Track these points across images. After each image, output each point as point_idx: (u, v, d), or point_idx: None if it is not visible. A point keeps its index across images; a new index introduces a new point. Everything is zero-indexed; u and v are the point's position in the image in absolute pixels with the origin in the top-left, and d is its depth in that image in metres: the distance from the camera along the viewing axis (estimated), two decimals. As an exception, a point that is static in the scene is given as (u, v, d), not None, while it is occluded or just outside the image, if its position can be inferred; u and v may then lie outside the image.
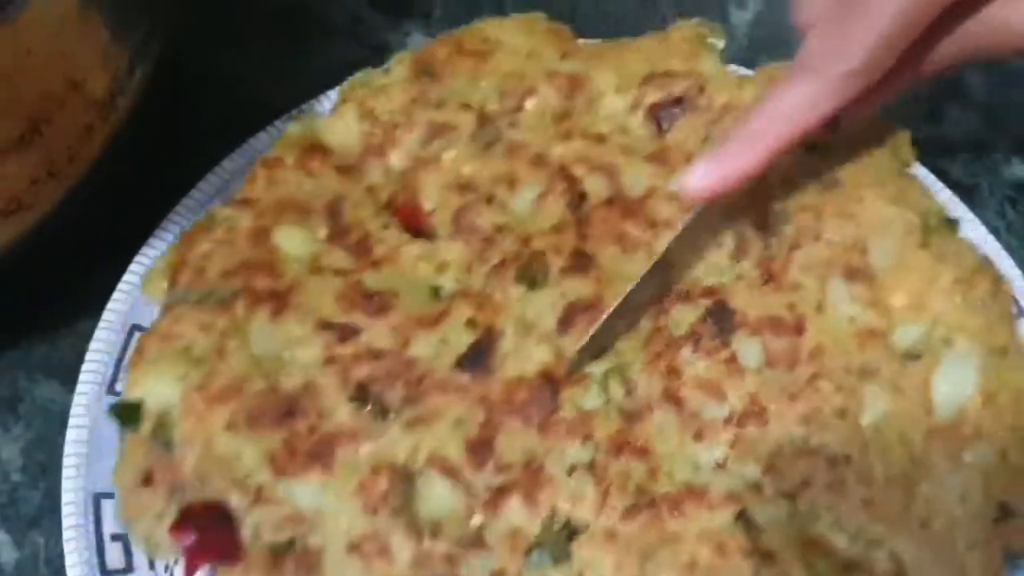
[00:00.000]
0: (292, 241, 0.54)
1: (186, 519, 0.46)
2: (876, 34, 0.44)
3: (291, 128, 0.58)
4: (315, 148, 0.57)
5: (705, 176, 0.48)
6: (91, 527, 0.48)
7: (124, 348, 0.53)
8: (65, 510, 0.49)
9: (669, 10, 0.67)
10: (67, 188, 0.51)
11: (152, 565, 0.48)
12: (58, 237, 0.52)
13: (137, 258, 0.55)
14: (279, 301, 0.51)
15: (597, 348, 0.50)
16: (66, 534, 0.48)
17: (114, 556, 0.48)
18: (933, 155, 0.57)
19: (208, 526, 0.45)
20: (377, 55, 0.63)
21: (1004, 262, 0.53)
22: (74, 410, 0.51)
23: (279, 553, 0.45)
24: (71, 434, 0.50)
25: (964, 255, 0.52)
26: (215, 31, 0.66)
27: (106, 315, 0.53)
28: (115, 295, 0.54)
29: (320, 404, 0.48)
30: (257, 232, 0.54)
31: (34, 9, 0.44)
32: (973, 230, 0.54)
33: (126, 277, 0.54)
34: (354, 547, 0.45)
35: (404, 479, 0.47)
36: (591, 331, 0.50)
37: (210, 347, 0.50)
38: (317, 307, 0.51)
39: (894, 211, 0.52)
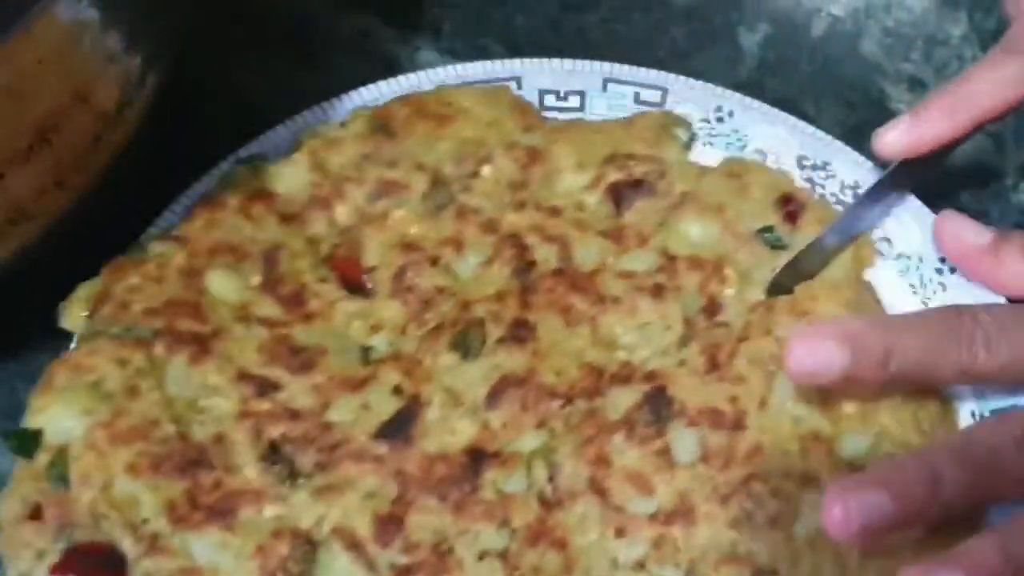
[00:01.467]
0: (223, 285, 0.52)
1: (71, 560, 0.44)
2: None
3: (238, 170, 0.57)
4: (260, 194, 0.56)
5: (904, 134, 0.51)
6: None
7: None
8: None
9: (679, 34, 0.67)
10: (74, 198, 0.51)
11: None
12: (62, 247, 0.52)
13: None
14: (201, 346, 0.50)
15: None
16: None
17: None
18: (941, 181, 0.58)
19: (93, 570, 0.43)
20: (386, 69, 0.63)
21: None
22: None
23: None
24: None
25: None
26: (224, 45, 0.66)
27: None
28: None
29: (229, 459, 0.47)
30: (189, 271, 0.53)
31: (45, 20, 0.44)
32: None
33: None
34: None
35: (306, 547, 0.45)
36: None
37: (122, 384, 0.49)
38: (239, 356, 0.50)
39: (848, 315, 0.51)
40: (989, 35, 0.68)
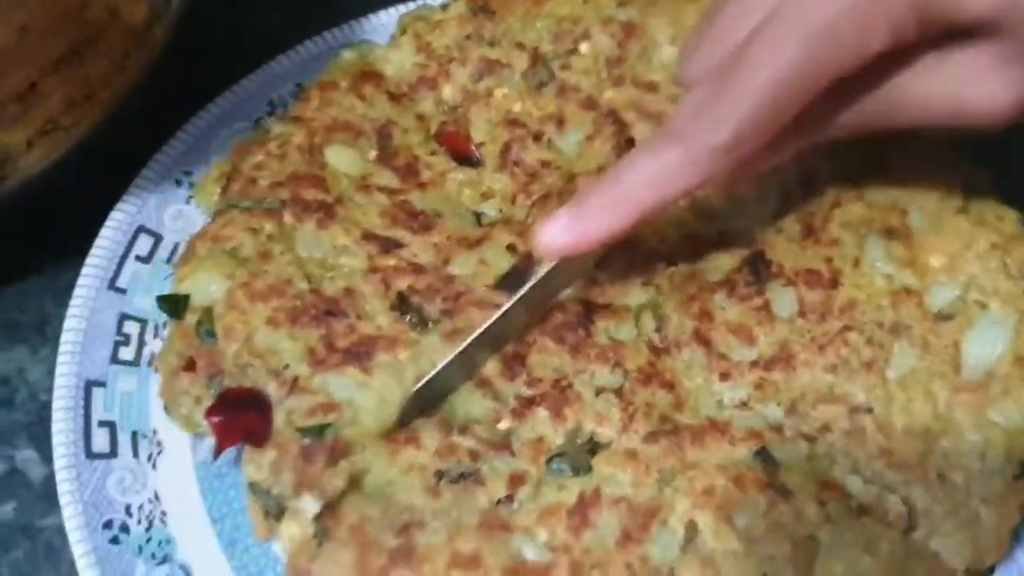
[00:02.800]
0: (342, 159, 0.57)
1: (223, 403, 0.49)
2: (743, 113, 0.42)
3: (346, 54, 0.62)
4: (369, 74, 0.60)
5: (563, 232, 0.46)
6: (80, 412, 0.53)
7: (128, 247, 0.57)
8: (56, 393, 0.53)
9: None
10: (103, 113, 0.54)
11: (136, 453, 0.52)
12: (89, 163, 0.55)
13: (150, 163, 0.59)
14: (327, 212, 0.55)
15: (436, 394, 0.50)
16: (55, 415, 0.52)
17: (100, 441, 0.52)
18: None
19: (243, 410, 0.49)
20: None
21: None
22: (73, 300, 0.55)
23: (311, 439, 0.48)
24: (68, 322, 0.55)
25: (1003, 222, 0.54)
26: None
27: (113, 215, 0.58)
28: (125, 196, 0.58)
29: (360, 308, 0.52)
30: (309, 148, 0.57)
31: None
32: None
33: (136, 180, 0.58)
34: (386, 437, 0.48)
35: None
36: (427, 377, 0.49)
37: (256, 249, 0.54)
38: (363, 220, 0.55)
39: (936, 174, 0.55)
40: None
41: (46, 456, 0.55)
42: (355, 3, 0.67)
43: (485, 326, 0.49)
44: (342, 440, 0.48)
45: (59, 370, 0.53)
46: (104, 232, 0.57)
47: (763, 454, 0.48)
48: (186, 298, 0.53)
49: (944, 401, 0.50)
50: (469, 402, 0.49)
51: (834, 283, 0.53)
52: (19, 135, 0.51)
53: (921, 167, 0.55)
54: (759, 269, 0.54)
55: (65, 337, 0.54)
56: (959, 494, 0.48)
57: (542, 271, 0.50)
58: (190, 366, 0.51)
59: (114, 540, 0.50)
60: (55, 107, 0.51)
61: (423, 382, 0.49)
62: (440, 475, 0.47)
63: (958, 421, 0.49)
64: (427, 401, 0.49)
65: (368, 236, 0.54)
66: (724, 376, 0.51)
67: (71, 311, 0.55)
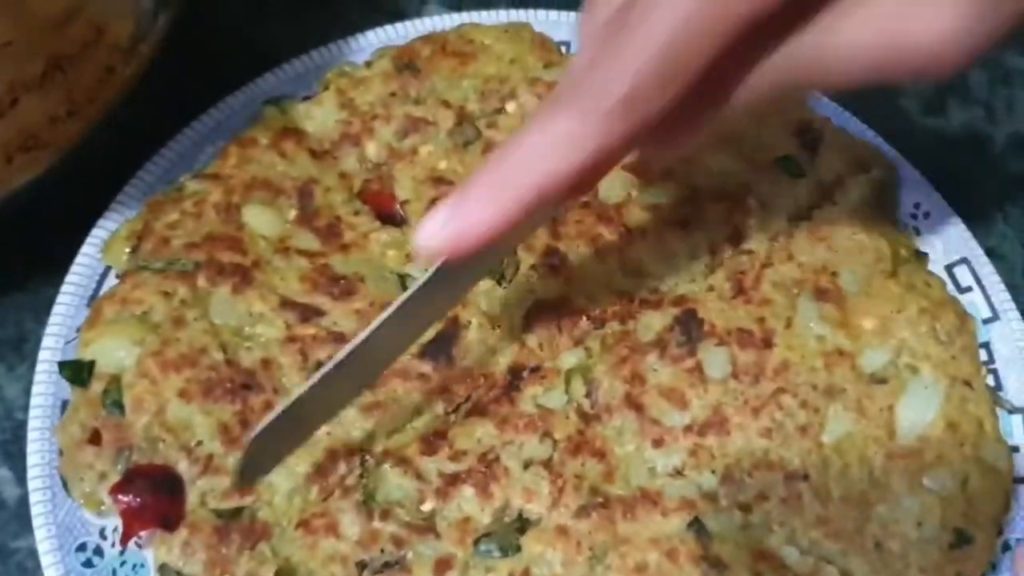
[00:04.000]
0: (261, 219, 0.55)
1: (130, 481, 0.47)
2: (640, 64, 0.36)
3: (267, 110, 0.60)
4: (290, 131, 0.59)
5: (441, 229, 0.38)
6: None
7: (109, 266, 0.55)
8: (32, 412, 0.50)
9: None
10: (85, 129, 0.52)
11: None
12: (72, 179, 0.53)
13: (132, 180, 0.57)
14: (243, 276, 0.53)
15: (291, 437, 0.45)
16: (31, 435, 0.50)
17: None
18: (934, 148, 0.60)
19: (152, 490, 0.46)
20: (394, 21, 0.65)
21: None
22: (52, 318, 0.53)
23: (226, 521, 0.45)
24: (47, 341, 0.52)
25: (932, 288, 0.55)
26: None
27: (95, 231, 0.55)
28: (106, 213, 0.56)
29: (277, 381, 0.50)
30: (226, 207, 0.55)
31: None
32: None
33: (119, 197, 0.56)
34: (303, 523, 0.46)
35: (360, 460, 0.48)
36: (271, 416, 0.43)
37: (169, 314, 0.51)
38: (281, 286, 0.53)
39: (865, 238, 0.55)
40: None
41: (20, 476, 0.53)
42: (348, 19, 0.66)
43: (341, 355, 0.42)
44: (260, 521, 0.46)
45: (35, 389, 0.51)
46: (84, 250, 0.55)
47: (696, 525, 0.47)
48: (91, 364, 0.50)
49: (880, 466, 0.49)
50: (389, 482, 0.47)
51: (767, 343, 0.52)
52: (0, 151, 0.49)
53: (849, 229, 0.55)
54: (691, 328, 0.53)
55: (43, 356, 0.52)
56: (897, 564, 0.47)
57: (420, 280, 0.41)
58: (95, 439, 0.48)
59: (87, 563, 0.48)
60: (37, 123, 0.49)
61: (265, 423, 0.42)
62: (363, 566, 0.45)
63: (894, 487, 0.49)
64: (279, 445, 0.44)
65: (286, 303, 0.52)
66: (656, 443, 0.50)
67: (49, 329, 0.53)
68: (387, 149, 0.59)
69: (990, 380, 0.53)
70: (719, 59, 0.36)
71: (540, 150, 0.37)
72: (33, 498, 0.49)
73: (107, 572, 0.48)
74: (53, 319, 0.53)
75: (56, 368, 0.51)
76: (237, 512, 0.46)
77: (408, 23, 0.64)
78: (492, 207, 0.38)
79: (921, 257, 0.57)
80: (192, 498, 0.47)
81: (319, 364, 0.50)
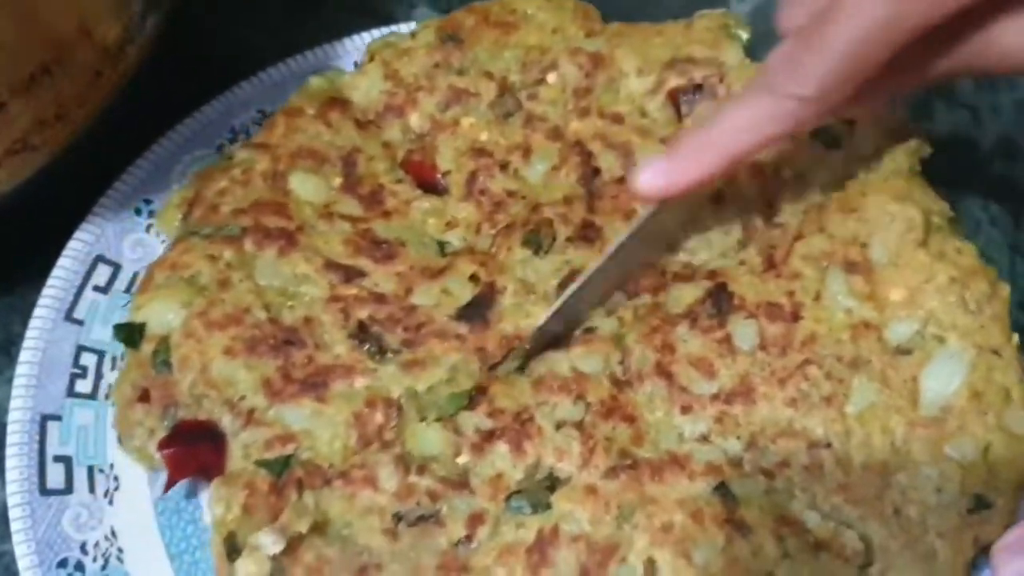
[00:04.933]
0: (306, 186, 0.57)
1: (176, 436, 0.49)
2: (828, 65, 0.45)
3: (313, 80, 0.62)
4: (336, 101, 0.61)
5: (655, 177, 0.50)
6: (34, 447, 0.52)
7: (86, 277, 0.57)
8: (10, 428, 0.52)
9: (673, 2, 0.70)
10: (74, 132, 0.54)
11: (92, 488, 0.52)
12: (61, 182, 0.55)
13: (108, 191, 0.59)
14: (288, 240, 0.55)
15: (565, 323, 0.53)
16: (8, 451, 0.52)
17: (55, 477, 0.52)
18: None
19: (196, 443, 0.49)
20: (382, 24, 0.67)
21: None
22: (29, 331, 0.55)
23: (277, 476, 0.48)
24: (23, 355, 0.54)
25: (963, 256, 0.55)
26: None
27: (71, 243, 0.57)
28: (83, 224, 0.58)
29: (319, 338, 0.52)
30: (273, 175, 0.58)
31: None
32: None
33: (95, 209, 0.58)
34: (343, 474, 0.48)
35: (398, 414, 0.50)
36: (554, 306, 0.52)
37: (215, 277, 0.54)
38: (325, 249, 0.55)
39: (896, 208, 0.55)
40: None
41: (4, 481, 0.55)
42: (337, 24, 0.68)
43: (606, 256, 0.53)
44: (309, 464, 0.48)
45: (13, 404, 0.53)
46: (61, 262, 0.57)
47: (722, 489, 0.49)
48: (142, 327, 0.53)
49: (901, 436, 0.50)
50: (426, 436, 0.50)
51: (795, 316, 0.54)
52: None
53: (881, 199, 0.56)
54: (721, 301, 0.54)
55: (20, 370, 0.54)
56: (915, 529, 0.49)
57: (643, 215, 0.53)
58: (145, 397, 0.51)
59: None
60: (26, 126, 0.51)
61: (550, 313, 0.52)
62: (399, 517, 0.48)
63: (915, 455, 0.50)
64: (560, 328, 0.53)
65: (329, 265, 0.54)
66: (685, 409, 0.51)
67: (26, 343, 0.55)
68: (430, 120, 0.61)
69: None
70: (896, 55, 0.45)
71: (744, 123, 0.49)
72: (12, 514, 0.50)
73: None
74: (29, 333, 0.55)
75: (34, 383, 0.53)
76: (283, 462, 0.48)
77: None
78: (700, 163, 0.50)
79: (954, 223, 0.57)
80: (235, 451, 0.49)
81: (360, 323, 0.52)
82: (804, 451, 0.50)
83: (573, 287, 0.52)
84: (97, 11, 0.51)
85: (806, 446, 0.50)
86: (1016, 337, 0.54)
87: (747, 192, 0.58)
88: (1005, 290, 0.54)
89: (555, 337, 0.53)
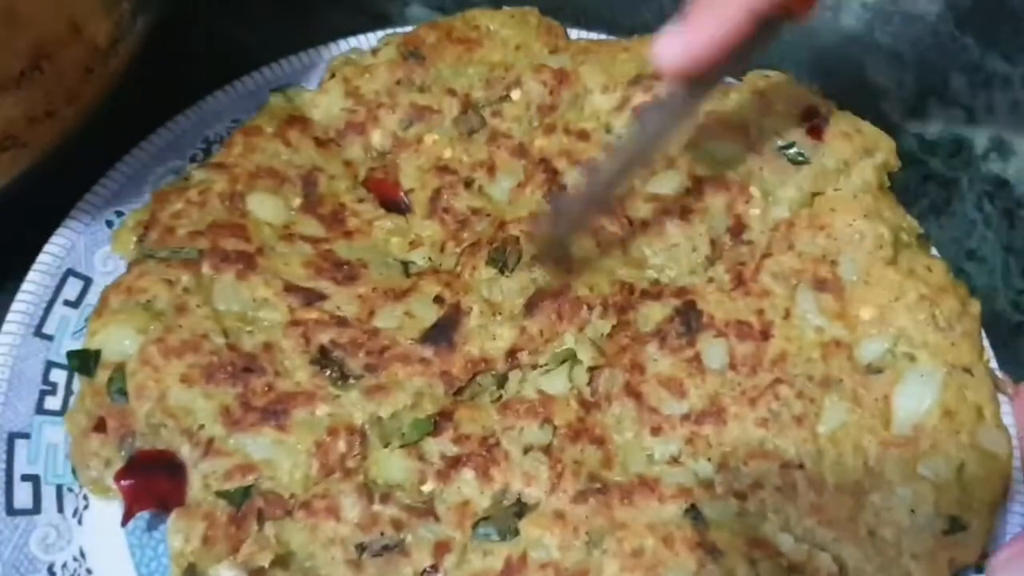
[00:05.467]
0: (265, 207, 0.56)
1: (134, 467, 0.48)
2: None
3: (273, 98, 0.61)
4: (295, 119, 0.60)
5: (671, 46, 0.47)
6: (1, 467, 0.51)
7: (56, 291, 0.55)
8: None
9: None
10: (63, 129, 0.53)
11: (60, 508, 0.50)
12: (47, 182, 0.54)
13: (79, 203, 0.57)
14: (247, 262, 0.54)
15: (567, 225, 0.54)
16: None
17: (23, 496, 0.50)
18: (916, 150, 0.62)
19: (155, 474, 0.47)
20: (377, 24, 0.67)
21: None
22: None
23: (237, 507, 0.47)
24: None
25: (933, 273, 0.55)
26: None
27: (41, 257, 0.56)
28: (53, 238, 0.56)
29: (279, 364, 0.51)
30: (231, 195, 0.56)
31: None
32: None
33: (66, 221, 0.57)
34: (304, 504, 0.47)
35: (361, 441, 0.49)
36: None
37: (172, 303, 0.52)
38: (285, 271, 0.54)
39: (865, 225, 0.55)
40: (965, 12, 0.74)
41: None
42: (330, 23, 0.67)
43: (635, 145, 0.52)
44: (270, 494, 0.47)
45: None
46: (31, 276, 0.55)
47: (693, 512, 0.48)
48: (97, 353, 0.51)
49: (874, 455, 0.50)
50: (390, 464, 0.49)
51: (765, 335, 0.53)
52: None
53: (850, 216, 0.56)
54: (690, 319, 0.54)
55: None
56: (890, 550, 0.48)
57: (673, 94, 0.51)
58: (101, 426, 0.49)
59: None
60: (15, 123, 0.50)
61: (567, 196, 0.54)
62: (362, 548, 0.46)
63: (888, 475, 0.50)
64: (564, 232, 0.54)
65: (290, 288, 0.53)
66: (655, 431, 0.51)
67: None
68: (392, 138, 0.60)
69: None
70: None
71: None
72: None
73: None
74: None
75: (1, 399, 0.52)
76: (243, 493, 0.47)
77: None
78: (711, 27, 0.47)
79: (923, 240, 0.57)
80: (195, 481, 0.48)
81: (321, 348, 0.51)
82: (776, 472, 0.49)
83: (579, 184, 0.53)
84: (88, 8, 0.51)
85: (778, 467, 0.50)
86: (989, 352, 0.54)
87: (714, 208, 0.57)
88: (976, 307, 0.55)
89: (561, 248, 0.54)
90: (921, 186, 0.63)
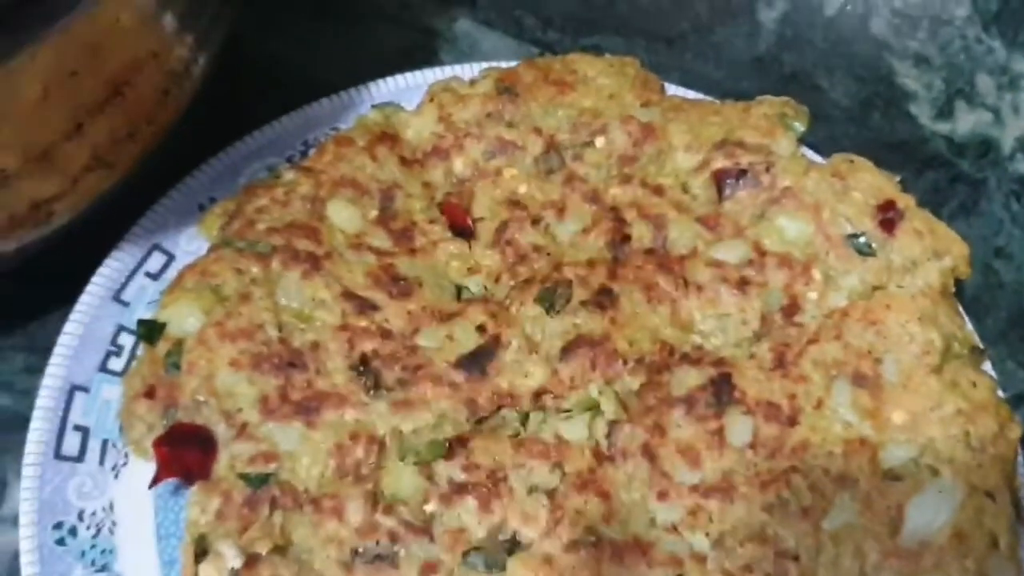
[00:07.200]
0: (342, 214, 0.60)
1: (171, 436, 0.52)
2: None
3: (371, 113, 0.65)
4: (386, 135, 0.63)
5: None
6: (59, 413, 0.55)
7: (141, 262, 0.60)
8: (41, 393, 0.56)
9: (702, 9, 0.74)
10: (144, 148, 0.57)
11: (102, 461, 0.55)
12: (127, 199, 0.58)
13: (178, 184, 0.62)
14: (314, 264, 0.57)
15: None
16: (35, 414, 0.55)
17: (71, 444, 0.55)
18: (945, 151, 0.65)
19: (188, 446, 0.52)
20: (426, 39, 0.70)
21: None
22: (77, 306, 0.58)
23: (255, 489, 0.51)
24: (67, 327, 0.57)
25: (977, 390, 0.54)
26: (276, 16, 0.75)
27: (134, 228, 0.61)
28: (148, 212, 0.61)
29: (322, 364, 0.54)
30: (313, 199, 0.60)
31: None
32: None
33: (162, 200, 0.62)
34: (314, 501, 0.51)
35: (378, 451, 0.52)
36: None
37: (238, 290, 0.56)
38: (346, 278, 0.57)
39: (918, 328, 0.55)
40: (991, 16, 0.75)
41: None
42: (374, 36, 0.71)
43: None
44: (286, 484, 0.51)
45: (48, 370, 0.56)
46: (120, 245, 0.60)
47: (680, 583, 0.49)
48: (163, 326, 0.56)
49: (873, 563, 0.50)
50: (402, 477, 0.51)
51: (792, 421, 0.54)
52: (64, 174, 0.54)
53: (904, 316, 0.56)
54: (722, 392, 0.55)
55: (61, 340, 0.57)
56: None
57: None
58: (150, 393, 0.54)
59: (60, 541, 0.53)
60: (101, 145, 0.54)
61: None
62: (356, 553, 0.49)
63: (883, 586, 0.50)
64: None
65: (347, 294, 0.56)
66: (662, 495, 0.52)
67: (72, 316, 0.58)
68: (473, 166, 0.63)
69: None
70: None
71: None
72: (24, 472, 0.54)
73: (76, 553, 0.53)
74: (78, 307, 0.58)
75: (71, 353, 0.56)
76: (262, 479, 0.51)
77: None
78: None
79: (977, 354, 0.56)
80: (223, 459, 0.52)
81: (362, 355, 0.54)
82: (771, 559, 0.50)
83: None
84: (164, 37, 0.54)
85: (773, 554, 0.50)
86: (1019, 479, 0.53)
87: (773, 284, 0.58)
88: (1016, 432, 0.54)
89: None
90: (950, 187, 0.66)
